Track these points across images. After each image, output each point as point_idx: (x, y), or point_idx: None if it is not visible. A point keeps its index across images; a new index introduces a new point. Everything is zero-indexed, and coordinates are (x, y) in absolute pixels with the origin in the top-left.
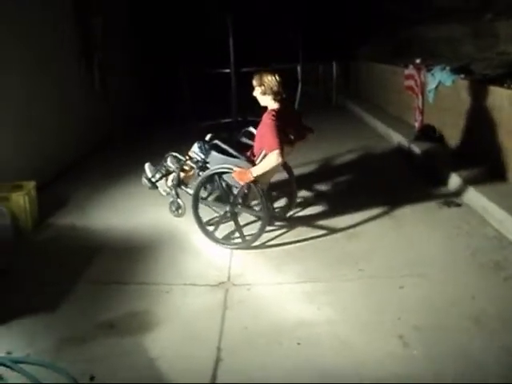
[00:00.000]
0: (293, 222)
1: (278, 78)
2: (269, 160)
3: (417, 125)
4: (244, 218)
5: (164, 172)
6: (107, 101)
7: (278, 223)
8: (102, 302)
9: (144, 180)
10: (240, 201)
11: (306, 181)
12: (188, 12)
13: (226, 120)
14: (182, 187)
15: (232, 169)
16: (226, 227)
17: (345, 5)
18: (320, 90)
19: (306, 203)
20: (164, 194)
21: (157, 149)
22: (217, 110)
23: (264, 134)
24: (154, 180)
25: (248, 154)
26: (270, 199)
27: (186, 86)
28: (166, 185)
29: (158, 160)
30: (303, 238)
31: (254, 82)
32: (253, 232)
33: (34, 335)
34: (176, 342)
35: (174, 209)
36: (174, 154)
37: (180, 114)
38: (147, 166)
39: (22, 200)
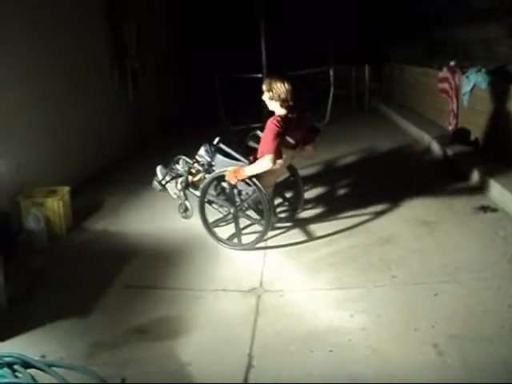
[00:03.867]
0: (323, 227)
1: (287, 85)
2: (261, 163)
3: (451, 128)
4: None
5: (174, 175)
6: (140, 105)
7: (309, 229)
8: (134, 306)
9: (155, 183)
10: (245, 206)
11: (335, 181)
12: (221, 15)
13: (257, 125)
14: (190, 189)
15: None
16: (231, 228)
17: (378, 6)
18: (352, 94)
19: (334, 205)
20: (174, 196)
21: (189, 151)
22: (249, 113)
23: (264, 137)
24: (163, 182)
25: (251, 158)
26: (273, 202)
27: (218, 89)
28: (176, 187)
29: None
30: (335, 243)
31: (264, 87)
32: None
33: (67, 339)
34: (207, 348)
35: (182, 211)
36: (183, 157)
37: (213, 116)
38: (159, 168)
39: (56, 205)
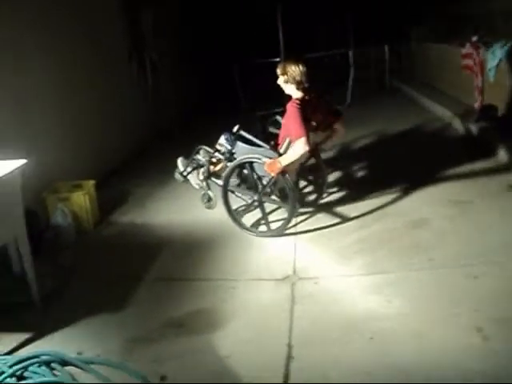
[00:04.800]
0: (352, 210)
1: (301, 67)
2: (296, 148)
3: (477, 105)
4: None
5: (195, 165)
6: (160, 95)
7: (336, 212)
8: (168, 299)
9: (177, 174)
10: (269, 190)
11: (359, 163)
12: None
13: (279, 109)
14: (213, 179)
15: (259, 158)
16: (255, 214)
17: None
18: (373, 74)
19: (360, 188)
20: (197, 186)
21: (210, 140)
22: (270, 98)
23: (289, 122)
24: (185, 174)
25: (272, 142)
26: (297, 186)
27: (238, 76)
28: (198, 178)
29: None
30: (366, 228)
31: (278, 71)
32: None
33: (103, 335)
34: (245, 340)
35: (205, 201)
36: (203, 146)
37: (234, 103)
38: (180, 160)
39: (82, 199)
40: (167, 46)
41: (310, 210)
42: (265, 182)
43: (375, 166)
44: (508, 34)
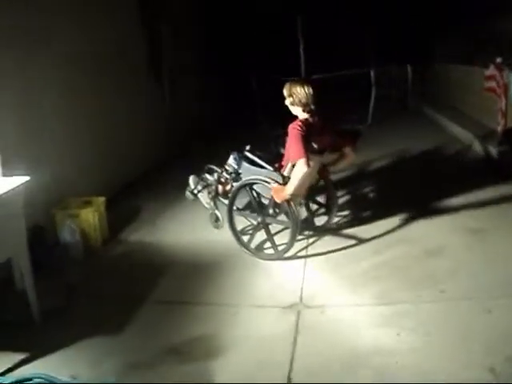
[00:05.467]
0: (364, 235)
1: (307, 89)
2: (296, 170)
3: (499, 128)
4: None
5: (205, 184)
6: (177, 108)
7: (348, 236)
8: (168, 323)
9: (187, 192)
10: (271, 211)
11: (374, 185)
12: (259, 16)
13: None
14: (220, 198)
15: (265, 180)
16: (260, 237)
17: (418, 5)
18: (395, 94)
19: (374, 211)
20: (206, 206)
21: (223, 156)
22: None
23: (289, 144)
24: (195, 192)
25: (277, 164)
26: (308, 208)
27: (257, 91)
28: (208, 197)
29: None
30: (378, 255)
31: (284, 92)
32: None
33: (99, 358)
34: (244, 370)
35: (213, 220)
36: (211, 166)
37: (252, 119)
38: (191, 178)
39: (91, 216)
40: (189, 58)
41: (320, 232)
42: (263, 200)
43: (390, 188)
44: None
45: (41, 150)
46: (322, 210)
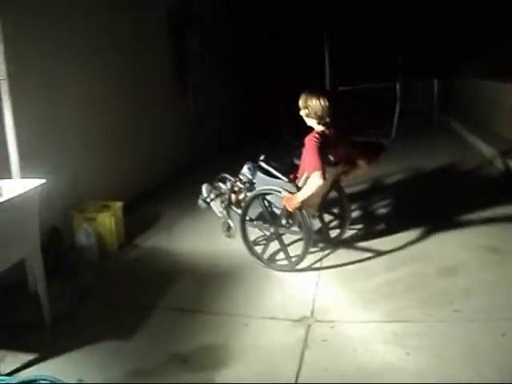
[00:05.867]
0: (379, 250)
1: (323, 101)
2: (311, 182)
3: None
4: (288, 238)
5: (218, 193)
6: (200, 118)
7: (362, 250)
8: (177, 331)
9: (200, 201)
10: (284, 222)
11: (393, 199)
12: (284, 27)
13: None
14: (233, 208)
15: (279, 191)
16: (272, 248)
17: (449, 18)
18: (421, 109)
19: (390, 226)
20: (219, 214)
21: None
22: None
23: (306, 156)
24: (208, 200)
25: (292, 176)
26: (322, 220)
27: (281, 102)
28: (221, 206)
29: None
30: (392, 271)
31: (300, 103)
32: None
33: (106, 363)
34: (249, 381)
35: (225, 229)
36: (225, 175)
37: (275, 129)
38: (204, 186)
39: (108, 221)
40: (213, 70)
41: (334, 245)
42: (275, 209)
43: (407, 203)
44: None
45: (61, 155)
46: (336, 223)
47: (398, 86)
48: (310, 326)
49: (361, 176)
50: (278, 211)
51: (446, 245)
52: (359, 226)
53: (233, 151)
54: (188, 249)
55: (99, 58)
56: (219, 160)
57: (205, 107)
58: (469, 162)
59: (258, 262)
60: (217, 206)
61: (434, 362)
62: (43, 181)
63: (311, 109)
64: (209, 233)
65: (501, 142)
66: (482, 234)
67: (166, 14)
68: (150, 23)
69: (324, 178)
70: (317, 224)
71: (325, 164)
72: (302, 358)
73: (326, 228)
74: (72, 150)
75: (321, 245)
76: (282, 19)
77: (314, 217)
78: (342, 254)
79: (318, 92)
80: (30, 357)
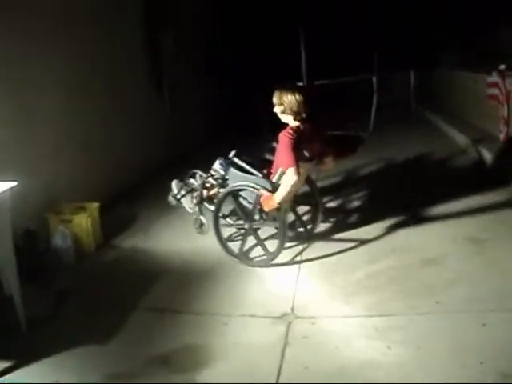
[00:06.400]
0: (358, 243)
1: (298, 96)
2: (285, 179)
3: (502, 136)
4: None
5: (189, 189)
6: (177, 118)
7: (342, 242)
8: (156, 332)
9: (170, 197)
10: (257, 217)
11: (372, 191)
12: (260, 24)
13: None
14: (205, 204)
15: (254, 187)
16: (248, 243)
17: (422, 12)
18: (397, 101)
19: (370, 218)
20: (190, 211)
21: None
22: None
23: (280, 151)
24: (178, 197)
25: (265, 171)
26: (296, 214)
27: (259, 100)
28: (191, 202)
29: None
30: (373, 263)
31: (274, 100)
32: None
33: (83, 367)
34: (231, 380)
35: (197, 226)
36: (197, 171)
37: (253, 127)
38: (174, 182)
39: (84, 222)
40: (191, 67)
41: (314, 238)
42: (246, 204)
43: (385, 193)
44: None
45: (34, 157)
46: (308, 216)
47: (374, 79)
48: (290, 322)
49: (332, 169)
50: (251, 206)
51: (426, 235)
52: (336, 219)
53: (210, 149)
54: (166, 248)
55: (72, 57)
56: (197, 158)
57: (182, 106)
58: (444, 151)
59: (233, 258)
60: (187, 203)
61: (416, 355)
62: (14, 183)
63: (286, 104)
64: (186, 231)
65: (474, 132)
66: (460, 224)
67: (142, 13)
68: (125, 22)
69: (298, 173)
70: (290, 216)
71: (299, 159)
72: (283, 356)
73: (300, 221)
74: (45, 151)
75: (297, 238)
76: (259, 17)
77: (287, 211)
78: (322, 247)
79: (291, 87)
80: (5, 362)
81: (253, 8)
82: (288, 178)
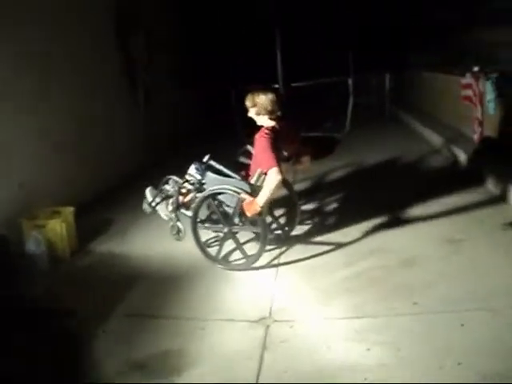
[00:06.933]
0: (336, 245)
1: (270, 95)
2: (269, 180)
3: (476, 137)
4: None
5: (164, 196)
6: (152, 121)
7: (320, 245)
8: (133, 338)
9: (145, 205)
10: (237, 220)
11: (348, 193)
12: (234, 26)
13: None
14: (182, 210)
15: (235, 190)
16: (227, 247)
17: (398, 13)
18: (373, 102)
19: (348, 220)
20: (166, 218)
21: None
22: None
23: (259, 152)
24: (153, 204)
25: (243, 173)
26: (273, 216)
27: (235, 103)
28: (167, 209)
29: None
30: (351, 265)
31: (247, 103)
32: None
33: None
34: None
35: (174, 232)
36: (172, 176)
37: (229, 130)
38: (148, 190)
39: (58, 227)
40: (163, 66)
41: (292, 241)
42: (226, 208)
43: (361, 195)
44: (510, 64)
45: (6, 162)
46: (285, 218)
47: (350, 81)
48: (268, 326)
49: (307, 171)
50: (230, 210)
51: (403, 236)
52: (313, 221)
53: (187, 152)
54: (142, 253)
55: (44, 57)
56: (173, 161)
57: (157, 109)
58: (419, 152)
59: (214, 263)
60: (163, 210)
61: (395, 356)
62: None
63: (260, 105)
64: (162, 235)
65: (449, 132)
66: (436, 224)
67: (115, 14)
68: (98, 24)
69: (281, 173)
70: (267, 219)
71: (279, 159)
72: (261, 361)
73: (277, 223)
74: (18, 155)
75: (275, 241)
76: (233, 20)
77: (265, 214)
78: (299, 250)
79: (262, 88)
80: None
81: (228, 11)
82: (271, 179)
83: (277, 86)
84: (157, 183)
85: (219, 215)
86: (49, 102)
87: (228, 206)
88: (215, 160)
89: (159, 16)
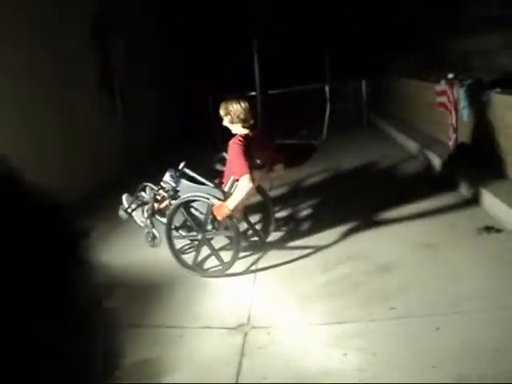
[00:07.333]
0: (313, 251)
1: (243, 104)
2: (240, 187)
3: (451, 143)
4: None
5: (140, 202)
6: (130, 127)
7: (297, 251)
8: (111, 347)
9: (121, 211)
10: (210, 227)
11: (324, 200)
12: (213, 34)
13: None
14: (157, 217)
15: (206, 197)
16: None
17: (373, 20)
18: (349, 108)
19: (324, 226)
20: (141, 224)
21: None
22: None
23: (232, 159)
24: (129, 211)
25: (217, 180)
26: (249, 223)
27: (213, 110)
28: (142, 215)
29: None
30: (328, 271)
31: (221, 112)
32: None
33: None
34: None
35: (149, 239)
36: (146, 183)
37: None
38: (125, 196)
39: None
40: (142, 73)
41: (268, 247)
42: (199, 215)
43: (335, 201)
44: (483, 72)
45: None
46: (260, 225)
47: (326, 88)
48: (246, 333)
49: (281, 178)
50: (203, 217)
51: (379, 241)
52: (288, 227)
53: (167, 160)
54: (119, 261)
55: (18, 69)
56: (153, 169)
57: (137, 117)
58: (395, 157)
59: (187, 270)
60: (139, 216)
61: (372, 361)
62: None
63: (233, 113)
64: (139, 243)
65: (424, 138)
66: (411, 229)
67: (92, 17)
68: (75, 29)
69: (253, 181)
70: (243, 226)
71: (251, 167)
72: (239, 368)
73: (253, 230)
74: None
75: (252, 248)
76: (211, 28)
77: (240, 220)
78: (277, 256)
79: (236, 97)
80: None
81: (206, 19)
82: (243, 186)
83: (254, 93)
84: (134, 190)
85: (191, 222)
86: (23, 112)
87: (202, 213)
88: (192, 167)
89: (137, 24)
